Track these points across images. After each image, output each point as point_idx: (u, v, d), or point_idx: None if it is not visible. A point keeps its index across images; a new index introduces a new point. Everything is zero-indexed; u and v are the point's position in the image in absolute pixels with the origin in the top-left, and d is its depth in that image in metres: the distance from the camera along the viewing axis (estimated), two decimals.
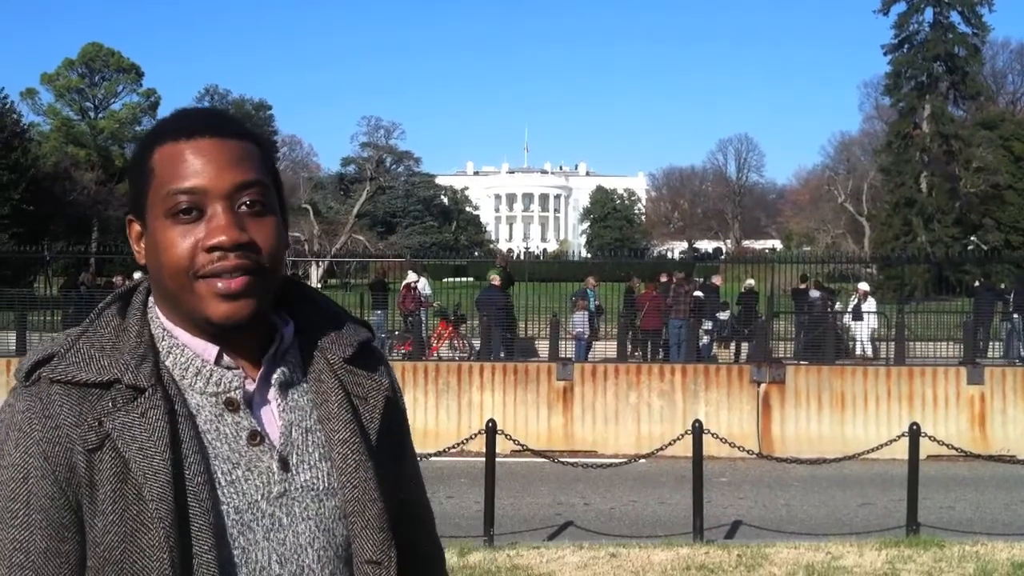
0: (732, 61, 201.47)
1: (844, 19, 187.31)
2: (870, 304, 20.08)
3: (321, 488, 1.31)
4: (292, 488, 1.29)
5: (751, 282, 21.14)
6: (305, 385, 1.35)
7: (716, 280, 21.76)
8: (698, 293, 19.44)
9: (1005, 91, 69.32)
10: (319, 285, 23.73)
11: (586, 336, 18.29)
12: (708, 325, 18.68)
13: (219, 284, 1.24)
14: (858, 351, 18.85)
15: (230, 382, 1.29)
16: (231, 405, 1.29)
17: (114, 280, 22.36)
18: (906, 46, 52.87)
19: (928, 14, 52.46)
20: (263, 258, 1.27)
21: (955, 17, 52.22)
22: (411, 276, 20.12)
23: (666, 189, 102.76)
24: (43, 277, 26.07)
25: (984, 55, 55.89)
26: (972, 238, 47.71)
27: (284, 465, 1.29)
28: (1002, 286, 22.03)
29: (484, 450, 9.36)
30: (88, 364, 1.24)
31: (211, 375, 1.29)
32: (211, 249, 1.24)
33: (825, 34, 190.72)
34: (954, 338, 18.22)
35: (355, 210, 64.18)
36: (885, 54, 53.53)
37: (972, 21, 52.08)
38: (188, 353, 1.29)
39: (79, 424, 1.21)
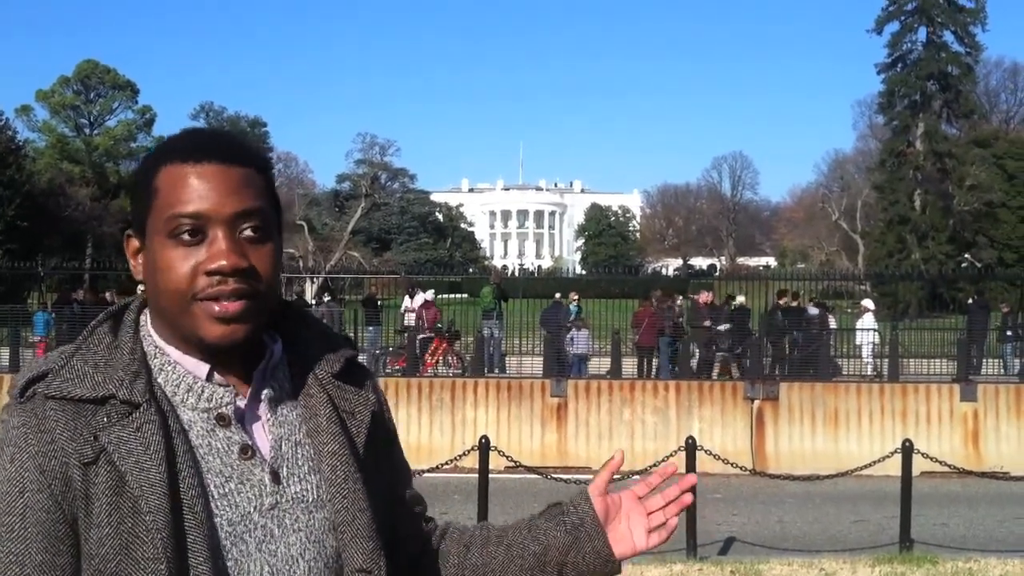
0: (727, 80, 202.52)
1: (838, 38, 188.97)
2: (870, 321, 20.16)
3: (311, 500, 1.32)
4: (283, 500, 1.31)
5: (742, 299, 21.12)
6: (294, 400, 1.37)
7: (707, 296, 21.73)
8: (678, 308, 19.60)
9: (998, 110, 69.82)
10: (313, 302, 23.74)
11: (586, 354, 18.36)
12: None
13: (216, 307, 1.26)
14: (863, 368, 18.89)
15: (221, 398, 1.31)
16: (222, 420, 1.30)
17: (106, 296, 22.33)
18: (899, 65, 53.23)
19: (921, 33, 52.89)
20: (261, 284, 1.29)
21: (948, 36, 52.66)
22: (426, 294, 20.20)
23: (661, 206, 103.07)
24: (37, 293, 26.02)
25: (977, 74, 56.30)
26: (966, 255, 47.87)
27: (275, 478, 1.31)
28: (1005, 309, 21.90)
29: (477, 466, 9.36)
30: (83, 380, 1.25)
31: (203, 391, 1.31)
32: (211, 273, 1.26)
33: (819, 53, 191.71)
34: (948, 355, 18.24)
35: (350, 227, 64.11)
36: (878, 73, 53.95)
37: (965, 40, 52.47)
38: (180, 370, 1.31)
39: (74, 438, 1.21)
